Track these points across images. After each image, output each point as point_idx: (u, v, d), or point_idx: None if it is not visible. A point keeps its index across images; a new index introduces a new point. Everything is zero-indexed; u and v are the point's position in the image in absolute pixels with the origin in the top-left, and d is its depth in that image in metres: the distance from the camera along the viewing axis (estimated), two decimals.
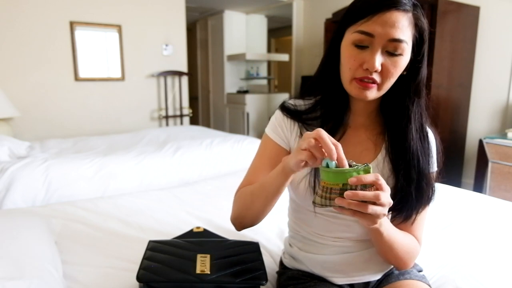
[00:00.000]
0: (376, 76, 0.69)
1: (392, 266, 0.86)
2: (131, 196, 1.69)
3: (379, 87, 0.71)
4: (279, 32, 6.24)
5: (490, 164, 2.55)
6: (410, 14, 0.69)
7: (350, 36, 0.71)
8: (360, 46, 0.69)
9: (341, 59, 0.74)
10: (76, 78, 3.33)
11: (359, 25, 0.69)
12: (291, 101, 0.85)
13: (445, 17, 2.65)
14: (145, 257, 0.90)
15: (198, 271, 0.84)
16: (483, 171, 2.61)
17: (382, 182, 0.59)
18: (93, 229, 1.30)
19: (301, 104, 0.84)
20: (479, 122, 3.02)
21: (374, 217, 0.59)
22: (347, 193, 0.56)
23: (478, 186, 2.67)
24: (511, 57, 2.77)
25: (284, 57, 5.40)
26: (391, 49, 0.68)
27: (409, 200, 0.74)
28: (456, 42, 2.78)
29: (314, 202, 0.63)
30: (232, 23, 5.25)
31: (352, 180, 0.57)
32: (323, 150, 0.60)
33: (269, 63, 6.01)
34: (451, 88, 2.86)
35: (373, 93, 0.71)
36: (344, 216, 0.80)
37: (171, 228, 1.33)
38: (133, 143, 2.67)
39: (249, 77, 5.52)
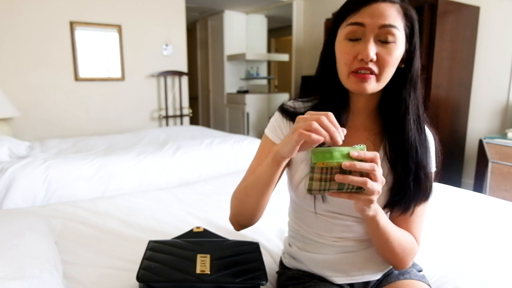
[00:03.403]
0: (372, 66, 0.70)
1: (392, 267, 0.86)
2: (131, 196, 1.69)
3: (378, 78, 0.71)
4: (279, 32, 6.25)
5: (490, 164, 2.55)
6: (397, 5, 0.70)
7: (342, 32, 0.72)
8: (353, 40, 0.70)
9: (336, 57, 0.75)
10: (76, 78, 3.34)
11: (349, 19, 0.71)
12: (290, 103, 0.85)
13: (445, 17, 2.65)
14: (145, 257, 0.90)
15: (198, 271, 0.84)
16: (483, 171, 2.61)
17: (378, 161, 0.61)
18: (93, 229, 1.30)
19: (300, 106, 0.84)
20: (479, 122, 3.02)
21: (369, 195, 0.62)
22: (345, 163, 0.58)
23: (478, 186, 2.67)
24: (511, 57, 2.77)
25: (284, 57, 5.40)
26: (383, 36, 0.69)
27: (407, 191, 0.75)
28: (456, 42, 2.78)
29: (310, 190, 0.62)
30: (232, 23, 5.25)
31: (353, 154, 0.59)
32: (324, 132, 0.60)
33: (269, 63, 6.01)
34: (451, 88, 2.86)
35: (371, 85, 0.71)
36: (344, 217, 0.80)
37: (171, 228, 1.33)
38: (133, 143, 2.67)
39: (249, 77, 5.52)
